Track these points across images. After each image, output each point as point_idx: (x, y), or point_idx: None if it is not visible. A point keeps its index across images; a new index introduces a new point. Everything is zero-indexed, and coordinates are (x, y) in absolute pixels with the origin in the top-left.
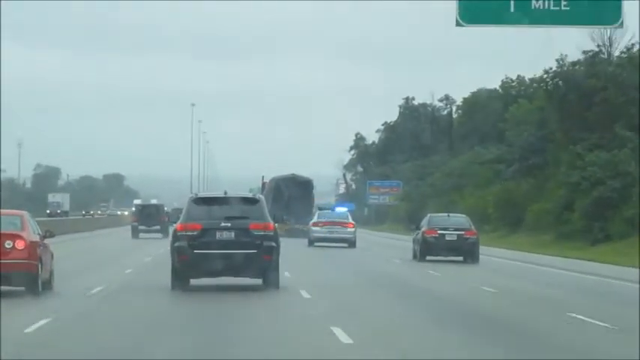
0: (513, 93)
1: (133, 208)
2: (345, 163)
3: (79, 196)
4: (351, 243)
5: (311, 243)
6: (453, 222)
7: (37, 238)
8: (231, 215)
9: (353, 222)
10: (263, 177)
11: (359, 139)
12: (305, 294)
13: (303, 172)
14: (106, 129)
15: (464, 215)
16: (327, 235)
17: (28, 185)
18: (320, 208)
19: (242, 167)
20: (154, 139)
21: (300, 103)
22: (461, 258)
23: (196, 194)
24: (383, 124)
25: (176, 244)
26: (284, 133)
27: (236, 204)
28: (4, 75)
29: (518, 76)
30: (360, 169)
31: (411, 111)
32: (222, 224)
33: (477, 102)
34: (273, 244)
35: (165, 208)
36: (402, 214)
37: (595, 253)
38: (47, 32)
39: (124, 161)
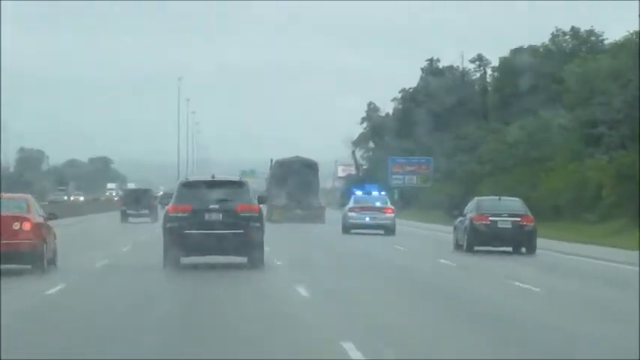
0: (567, 50)
1: (121, 193)
2: (355, 138)
3: (64, 181)
4: (391, 230)
5: (346, 230)
6: (507, 207)
7: (41, 220)
8: (219, 198)
9: (392, 207)
10: (272, 160)
11: (372, 109)
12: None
13: (306, 153)
14: (92, 112)
15: (517, 199)
16: (366, 221)
17: (12, 169)
18: (354, 192)
19: (234, 149)
20: (142, 122)
21: (302, 81)
22: (510, 248)
23: (187, 178)
24: (400, 91)
25: (168, 225)
26: (283, 113)
27: (223, 187)
28: None
29: (573, 28)
30: (371, 145)
31: (435, 75)
32: (211, 206)
33: (518, 62)
34: (258, 224)
35: (158, 193)
36: (436, 197)
37: None
38: (27, 13)
39: (111, 145)
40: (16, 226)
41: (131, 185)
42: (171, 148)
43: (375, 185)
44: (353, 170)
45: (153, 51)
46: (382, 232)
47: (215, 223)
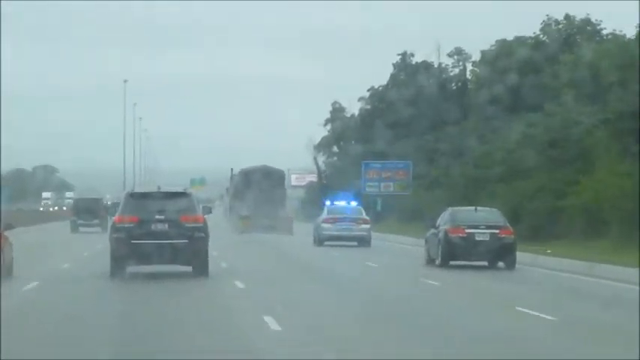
0: (561, 39)
1: (71, 202)
2: (317, 142)
3: (17, 190)
4: (366, 242)
5: (320, 242)
6: (484, 218)
7: None
8: (164, 209)
9: (367, 217)
10: (232, 169)
11: (336, 109)
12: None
13: (257, 161)
14: (36, 118)
15: (494, 209)
16: (340, 232)
17: None
18: (329, 202)
19: (183, 157)
20: (89, 130)
21: (252, 89)
22: (485, 263)
23: (133, 189)
24: (369, 90)
25: (115, 235)
26: (237, 122)
27: (169, 198)
28: None
29: (567, 15)
30: (335, 149)
31: (408, 70)
32: (157, 217)
33: (503, 54)
34: (203, 234)
35: (107, 202)
36: (417, 206)
37: None
38: None
39: (56, 153)
40: None
41: (70, 194)
42: (119, 156)
43: (351, 194)
44: (313, 178)
45: (99, 61)
46: (356, 243)
47: (161, 233)
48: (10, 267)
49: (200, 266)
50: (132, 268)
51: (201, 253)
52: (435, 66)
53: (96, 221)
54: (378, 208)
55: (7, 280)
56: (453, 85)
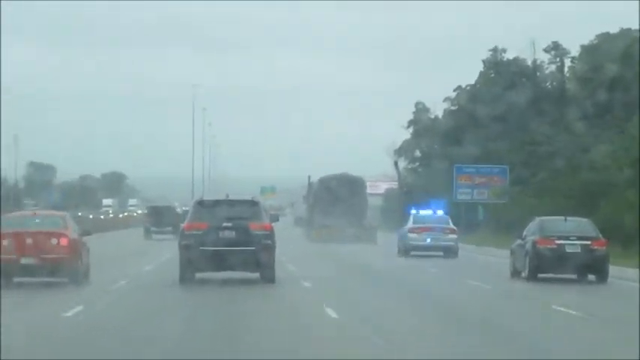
0: None
1: (145, 210)
2: (397, 147)
3: (77, 196)
4: (453, 252)
5: (406, 253)
6: (574, 228)
7: (77, 236)
8: (233, 216)
9: (454, 227)
10: (309, 177)
11: (420, 110)
12: None
13: (331, 169)
14: (105, 127)
15: (585, 219)
16: (427, 242)
17: (22, 185)
18: (415, 211)
19: (253, 165)
20: (157, 137)
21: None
22: (575, 276)
23: (201, 197)
24: (455, 89)
25: (183, 242)
26: (310, 129)
27: (237, 206)
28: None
29: None
30: (417, 153)
31: (499, 68)
32: (225, 224)
33: (607, 48)
34: (270, 242)
35: (178, 210)
36: (515, 216)
37: None
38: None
39: (124, 160)
40: (54, 241)
41: (133, 201)
42: (187, 163)
43: (441, 202)
44: (390, 184)
45: (167, 65)
46: (442, 254)
47: (228, 241)
48: (86, 272)
49: (267, 273)
50: (200, 275)
51: (268, 260)
52: (529, 63)
53: (169, 228)
54: (480, 216)
55: (85, 284)
56: (548, 84)
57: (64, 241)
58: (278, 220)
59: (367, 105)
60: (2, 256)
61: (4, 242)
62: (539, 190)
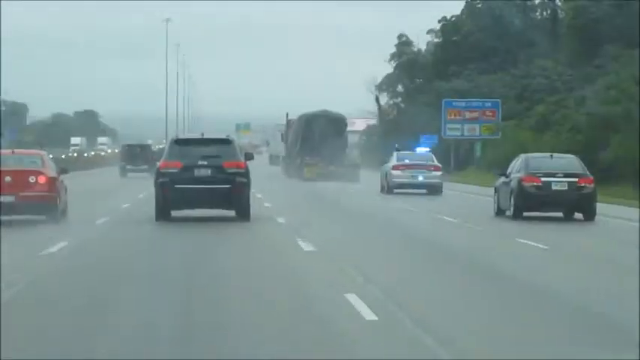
0: None
1: (120, 148)
2: (379, 81)
3: (49, 134)
4: (437, 189)
5: (389, 190)
6: (560, 165)
7: (55, 174)
8: (207, 155)
9: (439, 164)
10: (287, 114)
11: (403, 43)
12: None
13: (309, 107)
14: (78, 65)
15: (572, 155)
16: (410, 180)
17: None
18: (397, 149)
19: (227, 103)
20: (131, 76)
21: (303, 39)
22: (561, 214)
23: (177, 136)
24: (440, 21)
25: (159, 180)
26: (287, 69)
27: (212, 145)
28: None
29: None
30: (400, 88)
31: None
32: (200, 162)
33: None
34: (245, 180)
35: (153, 148)
36: (506, 154)
37: None
38: None
39: (97, 99)
40: (32, 179)
41: (103, 140)
42: (161, 101)
43: (431, 138)
44: (373, 120)
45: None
46: (425, 191)
47: (203, 179)
48: (64, 210)
49: (242, 210)
50: (176, 212)
51: (242, 197)
52: None
53: (144, 167)
54: (477, 153)
55: (63, 222)
56: (538, 13)
57: (42, 179)
58: (253, 158)
59: (346, 41)
60: None
61: None
62: (536, 125)
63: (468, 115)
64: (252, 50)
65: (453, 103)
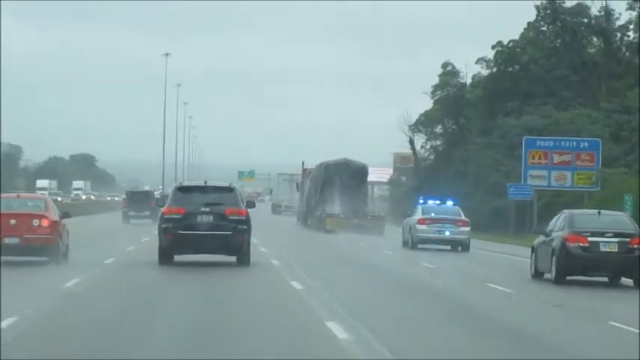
0: None
1: (124, 195)
2: (413, 122)
3: (45, 177)
4: (465, 245)
5: (413, 245)
6: (609, 223)
7: (57, 218)
8: (210, 202)
9: (467, 219)
10: (303, 163)
11: (447, 73)
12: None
13: (315, 159)
14: (77, 109)
15: (622, 213)
16: (437, 235)
17: None
18: (422, 201)
19: (229, 152)
20: (131, 121)
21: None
22: (606, 279)
23: (181, 183)
24: (494, 46)
25: (163, 225)
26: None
27: (214, 192)
28: None
29: None
30: (439, 129)
31: (554, 17)
32: (202, 209)
33: None
34: (245, 227)
35: (156, 194)
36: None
37: None
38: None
39: (96, 143)
40: (36, 222)
41: (78, 184)
42: (160, 147)
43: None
44: (389, 170)
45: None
46: (449, 247)
47: (206, 225)
48: (65, 252)
49: (242, 256)
50: (178, 257)
51: (243, 244)
52: (597, 11)
53: (146, 212)
54: (627, 208)
55: (64, 264)
56: (618, 35)
57: (45, 223)
58: (254, 206)
59: (358, 85)
60: None
61: None
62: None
63: (556, 158)
64: (256, 98)
65: (537, 142)
